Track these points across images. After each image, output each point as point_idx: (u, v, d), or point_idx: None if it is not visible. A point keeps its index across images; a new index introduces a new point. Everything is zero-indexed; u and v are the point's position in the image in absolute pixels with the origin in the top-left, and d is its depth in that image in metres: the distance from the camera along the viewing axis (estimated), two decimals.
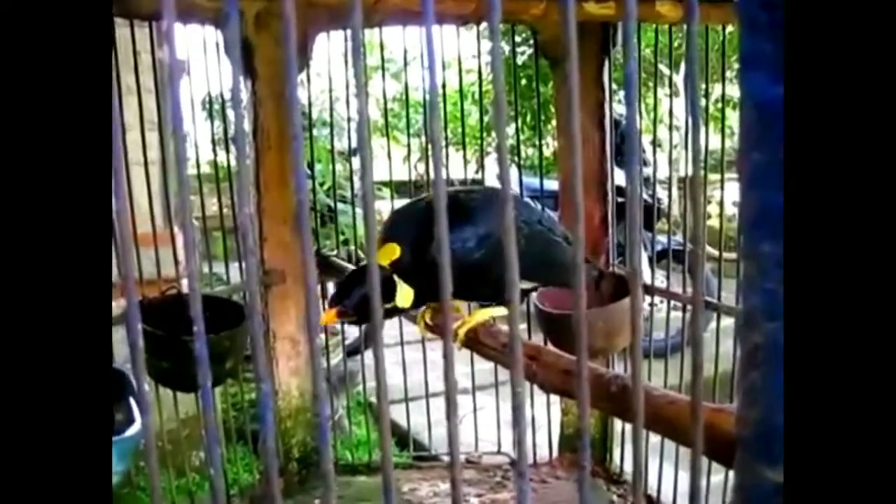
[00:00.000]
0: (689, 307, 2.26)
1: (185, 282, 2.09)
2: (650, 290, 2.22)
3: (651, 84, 2.42)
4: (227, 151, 2.42)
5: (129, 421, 1.26)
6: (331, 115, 2.73)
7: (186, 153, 0.49)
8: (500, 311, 1.52)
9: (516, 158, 2.68)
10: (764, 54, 0.58)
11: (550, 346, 1.58)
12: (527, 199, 2.85)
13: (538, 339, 2.03)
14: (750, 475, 0.68)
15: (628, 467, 2.36)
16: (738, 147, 0.61)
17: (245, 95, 2.22)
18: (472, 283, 1.29)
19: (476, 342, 1.47)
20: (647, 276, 2.37)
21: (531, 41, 2.98)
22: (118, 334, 1.93)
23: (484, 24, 2.58)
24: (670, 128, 2.78)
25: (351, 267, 2.26)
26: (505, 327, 1.49)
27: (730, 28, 2.12)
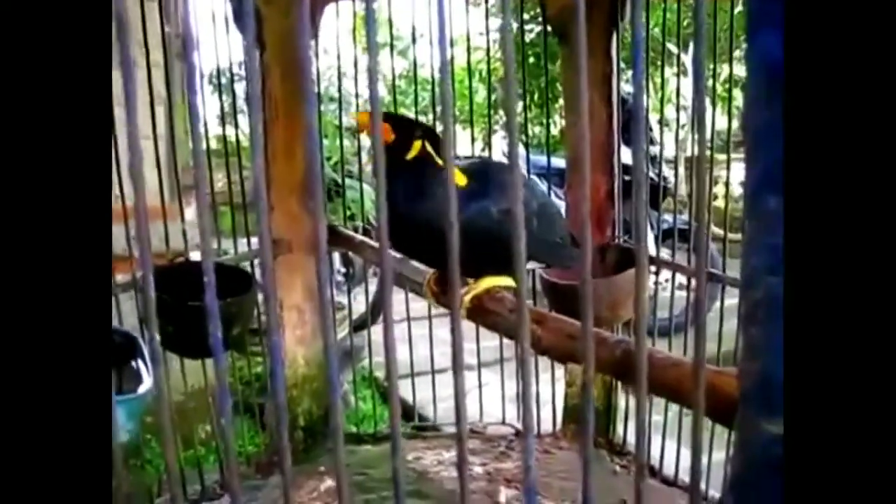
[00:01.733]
0: (693, 283, 2.27)
1: (192, 254, 2.10)
2: (655, 262, 2.22)
3: (658, 63, 2.41)
4: (236, 126, 2.42)
5: (139, 384, 1.27)
6: (339, 91, 2.73)
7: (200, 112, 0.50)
8: (506, 280, 1.52)
9: (524, 136, 2.68)
10: (772, 15, 0.59)
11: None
12: (530, 180, 2.85)
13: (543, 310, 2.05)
14: (750, 429, 0.69)
15: (631, 439, 2.37)
16: (745, 106, 0.62)
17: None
18: (490, 255, 1.29)
19: (482, 309, 1.48)
20: (652, 253, 2.38)
21: (539, 18, 2.96)
22: (127, 304, 1.94)
23: (492, 0, 2.57)
24: (678, 108, 2.78)
25: (360, 237, 2.28)
26: (510, 294, 1.51)
27: (738, 8, 2.12)
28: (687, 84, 3.98)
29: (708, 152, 2.80)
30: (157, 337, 0.57)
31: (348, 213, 3.07)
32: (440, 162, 1.47)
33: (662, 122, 2.74)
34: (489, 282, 1.50)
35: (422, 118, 2.91)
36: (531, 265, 1.62)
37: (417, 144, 1.46)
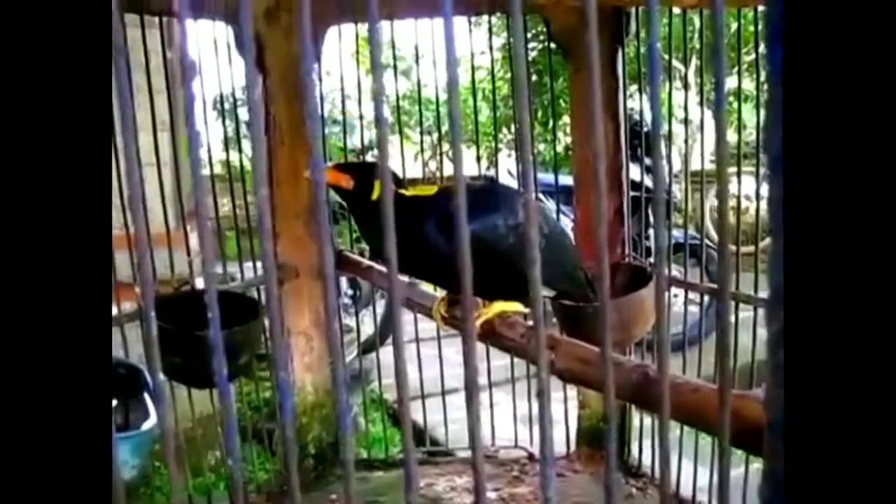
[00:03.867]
0: (706, 299, 2.24)
1: (198, 281, 2.09)
2: (668, 280, 2.19)
3: (662, 78, 2.39)
4: (240, 151, 2.42)
5: (145, 417, 1.25)
6: (343, 113, 2.73)
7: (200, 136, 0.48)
8: (517, 305, 1.50)
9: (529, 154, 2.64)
10: None
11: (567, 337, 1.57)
12: (540, 203, 2.84)
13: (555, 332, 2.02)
14: (779, 459, 0.66)
15: (647, 460, 2.34)
16: (764, 124, 0.60)
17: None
18: (498, 275, 1.27)
19: (493, 334, 1.46)
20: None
21: (541, 36, 2.94)
22: (132, 332, 1.93)
23: (495, 19, 2.56)
24: (685, 122, 2.75)
25: (367, 262, 2.25)
26: (522, 319, 1.48)
27: (743, 21, 2.10)
28: (691, 98, 3.96)
29: (714, 166, 2.79)
30: (161, 376, 0.55)
31: (355, 235, 3.05)
32: (404, 191, 1.47)
33: (670, 138, 2.73)
34: (500, 306, 1.48)
35: (426, 138, 2.90)
36: (545, 291, 1.60)
37: (378, 184, 1.45)
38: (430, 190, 1.48)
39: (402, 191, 1.48)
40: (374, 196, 1.45)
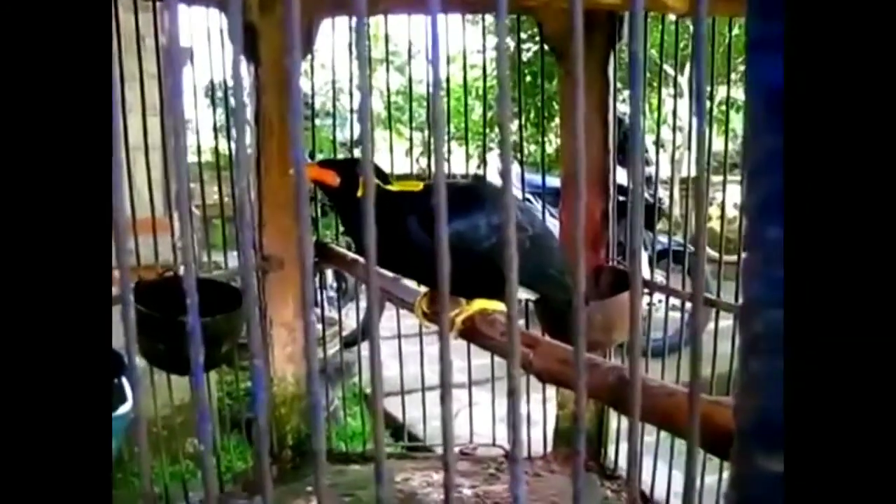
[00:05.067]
0: (688, 305, 2.25)
1: (182, 267, 2.08)
2: (650, 286, 2.21)
3: (655, 84, 2.41)
4: (229, 139, 2.41)
5: (122, 400, 1.25)
6: (333, 106, 2.72)
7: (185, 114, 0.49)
8: (498, 304, 1.51)
9: (519, 155, 2.67)
10: (772, 38, 0.57)
11: (548, 338, 1.58)
12: (528, 205, 2.85)
13: (536, 333, 2.02)
14: (747, 466, 0.67)
15: (623, 462, 2.35)
16: (746, 131, 0.60)
17: (248, 81, 2.22)
18: (478, 274, 1.28)
19: (473, 331, 1.47)
20: (646, 275, 2.35)
21: (537, 38, 2.95)
22: (115, 317, 1.92)
23: (490, 19, 2.57)
24: (674, 129, 2.76)
25: (352, 255, 2.25)
26: (502, 317, 1.49)
27: (735, 31, 2.11)
28: (683, 105, 3.98)
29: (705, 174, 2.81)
30: (137, 362, 0.55)
31: (341, 228, 3.05)
32: (390, 187, 1.48)
33: (658, 143, 2.74)
34: (481, 304, 1.48)
35: (417, 134, 2.90)
36: (522, 294, 1.61)
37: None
38: (417, 186, 1.48)
39: (389, 186, 1.48)
40: (360, 193, 1.46)
